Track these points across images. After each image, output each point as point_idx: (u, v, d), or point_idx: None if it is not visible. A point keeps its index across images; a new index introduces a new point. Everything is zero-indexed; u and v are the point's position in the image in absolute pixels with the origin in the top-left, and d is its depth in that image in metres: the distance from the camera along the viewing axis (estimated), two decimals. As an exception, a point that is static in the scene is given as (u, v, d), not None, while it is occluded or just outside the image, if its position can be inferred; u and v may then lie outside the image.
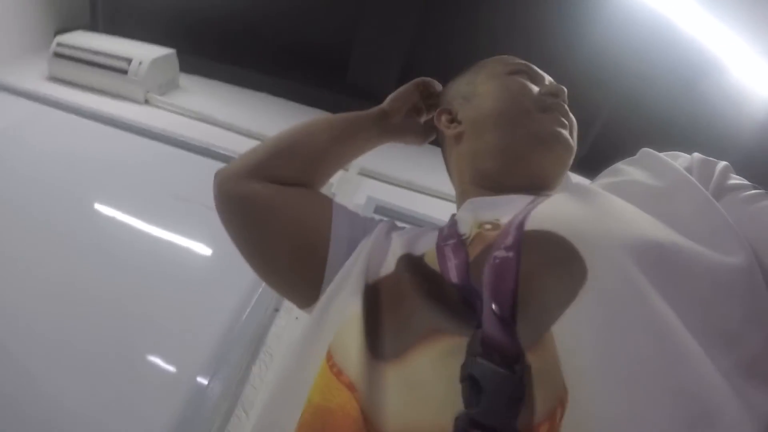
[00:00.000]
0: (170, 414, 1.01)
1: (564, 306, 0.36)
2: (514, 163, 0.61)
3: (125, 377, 1.06)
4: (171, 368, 1.10)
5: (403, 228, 0.64)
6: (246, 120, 2.00)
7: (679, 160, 0.53)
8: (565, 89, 0.65)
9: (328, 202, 0.65)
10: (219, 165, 0.70)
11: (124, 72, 1.99)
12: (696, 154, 0.53)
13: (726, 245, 0.39)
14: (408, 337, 0.40)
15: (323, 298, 0.54)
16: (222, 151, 1.75)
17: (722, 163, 0.51)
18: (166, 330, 1.17)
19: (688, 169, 0.50)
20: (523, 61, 0.69)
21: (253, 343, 1.16)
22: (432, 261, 0.49)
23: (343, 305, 0.48)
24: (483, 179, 0.63)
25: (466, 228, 0.55)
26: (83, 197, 1.49)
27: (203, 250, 1.40)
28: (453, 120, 0.70)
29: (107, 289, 1.23)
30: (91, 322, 1.15)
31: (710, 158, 0.53)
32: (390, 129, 0.75)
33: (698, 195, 0.45)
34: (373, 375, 0.39)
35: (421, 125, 0.79)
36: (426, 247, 0.53)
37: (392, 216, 1.59)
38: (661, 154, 0.53)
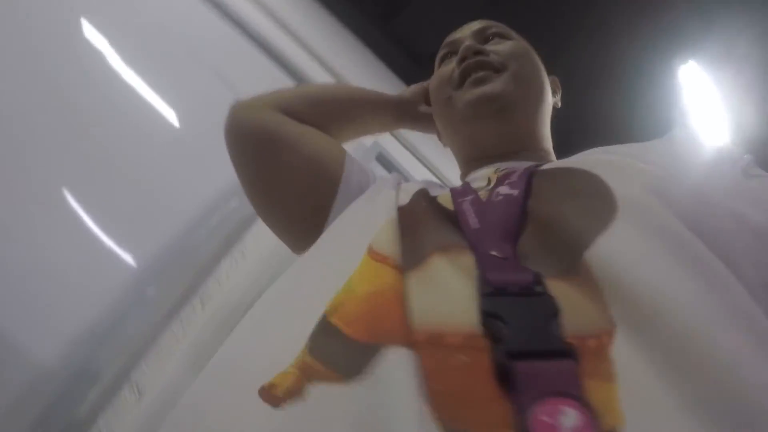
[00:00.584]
0: (105, 293, 0.91)
1: (597, 233, 0.34)
2: (469, 144, 0.64)
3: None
4: (128, 238, 1.00)
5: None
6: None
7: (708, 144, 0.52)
8: (473, 44, 0.63)
9: (341, 148, 0.65)
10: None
11: None
12: (726, 145, 0.51)
13: None
14: (426, 249, 0.38)
15: (347, 211, 0.52)
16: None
17: (747, 156, 0.50)
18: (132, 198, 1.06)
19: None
20: (450, 39, 0.70)
21: (230, 237, 1.08)
22: (446, 202, 0.47)
23: (377, 214, 0.45)
24: (468, 161, 0.66)
25: (482, 182, 0.54)
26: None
27: (199, 125, 1.28)
28: None
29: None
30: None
31: (737, 150, 0.51)
32: (406, 117, 0.75)
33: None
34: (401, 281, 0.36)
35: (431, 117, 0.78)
36: (440, 192, 0.52)
37: (389, 169, 1.54)
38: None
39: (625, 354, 0.28)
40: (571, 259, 0.34)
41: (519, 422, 0.25)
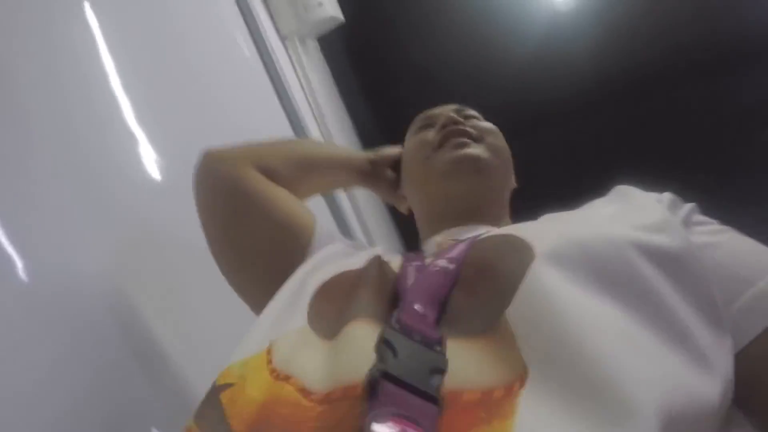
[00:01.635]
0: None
1: (514, 288, 0.37)
2: (440, 200, 0.67)
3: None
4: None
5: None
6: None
7: (651, 194, 0.54)
8: (453, 116, 0.68)
9: (312, 215, 0.66)
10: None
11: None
12: (666, 194, 0.54)
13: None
14: (347, 319, 0.40)
15: (292, 280, 0.53)
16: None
17: (689, 204, 0.52)
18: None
19: (659, 201, 0.52)
20: (427, 114, 0.75)
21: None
22: (396, 266, 0.51)
23: (293, 314, 0.47)
24: (432, 221, 0.69)
25: (431, 249, 0.59)
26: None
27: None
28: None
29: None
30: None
31: (678, 199, 0.53)
32: (370, 178, 0.80)
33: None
34: (313, 351, 0.40)
35: (395, 183, 0.81)
36: (393, 257, 0.55)
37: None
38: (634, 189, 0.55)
39: (533, 392, 0.31)
40: (491, 318, 0.37)
41: (362, 425, 0.28)
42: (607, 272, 0.39)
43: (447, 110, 0.73)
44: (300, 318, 0.45)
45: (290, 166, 0.70)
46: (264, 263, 0.61)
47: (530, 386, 0.32)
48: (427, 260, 0.50)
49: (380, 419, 0.28)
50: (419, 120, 0.75)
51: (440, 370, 0.33)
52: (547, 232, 0.44)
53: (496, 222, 0.66)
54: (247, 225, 0.62)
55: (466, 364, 0.34)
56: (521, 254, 0.40)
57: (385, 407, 0.29)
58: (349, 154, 0.80)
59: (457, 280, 0.43)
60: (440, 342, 0.35)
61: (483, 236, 0.49)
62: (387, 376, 0.31)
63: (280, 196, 0.65)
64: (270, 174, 0.66)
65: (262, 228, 0.61)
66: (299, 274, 0.53)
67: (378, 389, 0.30)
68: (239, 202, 0.62)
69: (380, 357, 0.33)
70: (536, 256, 0.39)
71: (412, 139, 0.73)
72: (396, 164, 0.79)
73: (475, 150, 0.65)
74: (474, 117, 0.72)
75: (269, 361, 0.39)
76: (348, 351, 0.36)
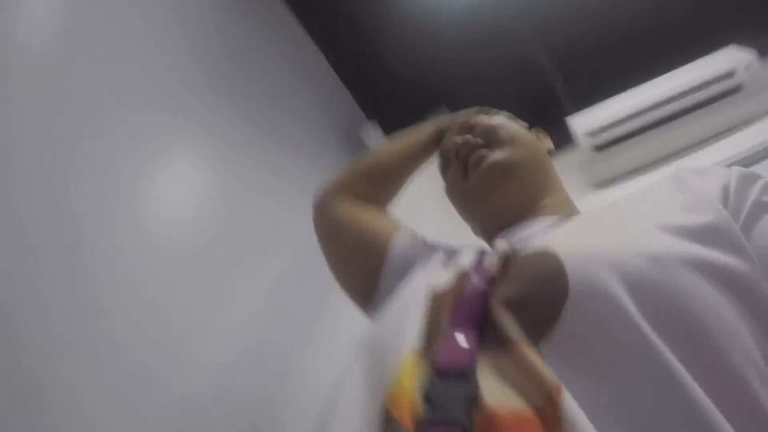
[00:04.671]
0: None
1: (550, 324, 0.40)
2: (491, 219, 0.69)
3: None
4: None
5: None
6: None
7: (716, 175, 0.52)
8: (458, 141, 0.71)
9: (391, 220, 0.79)
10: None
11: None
12: (735, 169, 0.51)
13: None
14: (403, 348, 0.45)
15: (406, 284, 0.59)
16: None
17: (763, 180, 0.49)
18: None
19: (725, 187, 0.49)
20: (441, 149, 0.79)
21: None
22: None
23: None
24: (493, 236, 0.69)
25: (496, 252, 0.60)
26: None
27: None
28: None
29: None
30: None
31: (750, 173, 0.50)
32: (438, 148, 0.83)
33: None
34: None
35: None
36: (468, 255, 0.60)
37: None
38: (695, 170, 0.54)
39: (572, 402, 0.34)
40: (533, 341, 0.40)
41: None
42: (654, 307, 0.39)
43: (452, 135, 0.75)
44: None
45: (370, 181, 0.82)
46: (355, 267, 0.75)
47: (567, 396, 0.34)
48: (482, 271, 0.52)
49: None
50: (440, 161, 0.79)
51: (474, 398, 0.37)
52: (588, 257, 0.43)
53: (554, 207, 0.67)
54: (339, 243, 0.78)
55: (501, 384, 0.37)
56: (554, 292, 0.42)
57: None
58: (415, 138, 0.85)
59: (491, 295, 0.45)
60: (474, 371, 0.39)
61: (526, 254, 0.49)
62: (431, 422, 0.36)
63: (360, 212, 0.78)
64: (357, 195, 0.80)
65: (346, 241, 0.76)
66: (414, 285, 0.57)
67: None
68: (331, 228, 0.79)
69: (423, 409, 0.37)
70: (569, 290, 0.41)
71: (446, 183, 0.77)
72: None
73: (492, 156, 0.68)
74: (477, 123, 0.72)
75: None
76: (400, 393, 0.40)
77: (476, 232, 0.78)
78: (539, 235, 0.56)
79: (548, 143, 0.80)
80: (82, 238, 0.85)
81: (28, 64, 0.89)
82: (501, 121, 0.72)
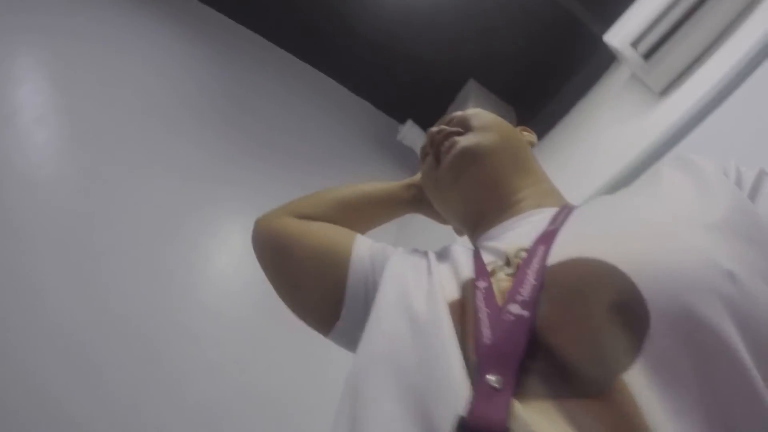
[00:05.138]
0: None
1: (631, 355, 0.34)
2: (464, 207, 0.67)
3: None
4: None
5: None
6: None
7: (710, 161, 0.50)
8: (433, 131, 0.70)
9: (349, 232, 0.71)
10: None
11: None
12: (732, 164, 0.50)
13: None
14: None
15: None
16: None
17: (759, 169, 0.48)
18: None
19: (725, 170, 0.49)
20: (424, 144, 0.74)
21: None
22: (463, 267, 0.51)
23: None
24: (474, 229, 0.67)
25: (495, 258, 0.52)
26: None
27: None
28: None
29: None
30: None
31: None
32: (416, 200, 0.80)
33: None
34: None
35: None
36: (467, 272, 0.51)
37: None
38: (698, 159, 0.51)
39: None
40: (608, 379, 0.33)
41: None
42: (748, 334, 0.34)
43: (431, 131, 0.73)
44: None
45: (322, 208, 0.75)
46: (313, 284, 0.67)
47: None
48: (495, 279, 0.47)
49: None
50: (419, 157, 0.77)
51: None
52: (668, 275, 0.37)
53: (537, 199, 0.63)
54: (289, 260, 0.70)
55: None
56: (631, 315, 0.35)
57: None
58: (387, 186, 0.81)
59: (533, 329, 0.38)
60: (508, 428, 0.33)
61: (560, 262, 0.43)
62: None
63: (313, 227, 0.71)
64: (305, 218, 0.73)
65: (301, 257, 0.68)
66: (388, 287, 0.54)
67: None
68: (281, 242, 0.71)
69: None
70: (650, 314, 0.35)
71: (421, 174, 0.75)
72: None
73: (462, 141, 0.65)
74: (454, 116, 0.71)
75: None
76: None
77: (458, 231, 0.76)
78: (537, 232, 0.50)
79: (530, 136, 0.78)
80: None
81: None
82: (476, 111, 0.71)
